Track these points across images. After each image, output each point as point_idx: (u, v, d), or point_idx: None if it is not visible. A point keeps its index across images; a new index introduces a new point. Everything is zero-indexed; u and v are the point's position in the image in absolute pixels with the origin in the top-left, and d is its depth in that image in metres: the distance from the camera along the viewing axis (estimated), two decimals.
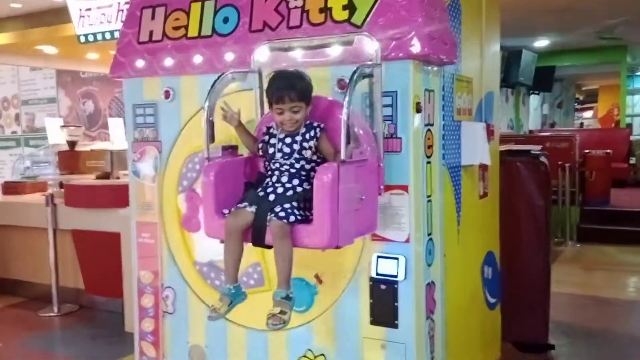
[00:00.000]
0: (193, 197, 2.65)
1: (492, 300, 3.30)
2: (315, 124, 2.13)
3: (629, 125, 12.78)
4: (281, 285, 2.06)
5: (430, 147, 2.34)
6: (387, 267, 2.26)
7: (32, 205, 5.43)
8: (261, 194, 2.10)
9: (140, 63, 2.70)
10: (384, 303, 2.29)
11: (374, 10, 2.21)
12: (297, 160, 2.11)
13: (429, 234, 2.35)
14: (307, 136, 2.12)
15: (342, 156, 1.97)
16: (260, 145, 2.21)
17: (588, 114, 20.31)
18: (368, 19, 2.22)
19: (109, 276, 4.81)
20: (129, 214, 3.77)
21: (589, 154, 8.09)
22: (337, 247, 2.00)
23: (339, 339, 2.40)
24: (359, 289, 2.34)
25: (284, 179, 2.10)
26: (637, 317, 4.75)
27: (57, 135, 6.61)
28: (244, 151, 2.34)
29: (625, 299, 5.22)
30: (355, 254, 2.33)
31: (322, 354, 2.44)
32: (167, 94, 2.68)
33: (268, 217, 2.02)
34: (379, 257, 2.28)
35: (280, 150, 2.13)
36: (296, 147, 2.11)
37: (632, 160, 10.74)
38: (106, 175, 5.34)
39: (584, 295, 5.05)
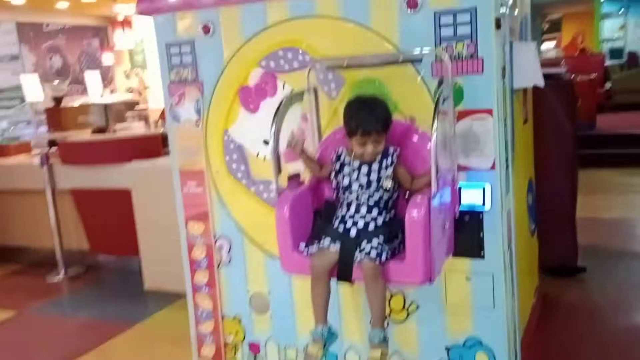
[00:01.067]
0: (268, 81, 2.44)
1: (532, 227, 3.27)
2: (391, 150, 2.03)
3: (598, 53, 12.87)
4: (377, 326, 2.01)
5: (504, 67, 2.21)
6: (472, 197, 2.16)
7: (22, 166, 5.15)
8: (340, 228, 2.02)
9: None
10: (468, 234, 2.20)
11: None
12: (377, 191, 2.01)
13: (506, 160, 2.24)
14: (384, 164, 2.02)
15: (434, 190, 1.88)
16: (334, 175, 2.09)
17: (551, 43, 20.41)
18: None
19: (119, 235, 4.63)
20: (140, 167, 3.60)
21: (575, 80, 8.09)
22: (431, 282, 1.94)
23: None
24: None
25: (363, 210, 2.01)
26: None
27: (35, 93, 6.21)
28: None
29: (634, 217, 5.31)
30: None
31: (400, 291, 2.35)
32: (206, 29, 2.46)
33: (357, 257, 1.95)
34: (461, 187, 2.16)
35: (357, 180, 2.02)
36: (374, 176, 2.01)
37: (608, 86, 10.85)
38: (102, 130, 5.06)
39: (594, 217, 5.09)
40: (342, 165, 2.06)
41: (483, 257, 2.19)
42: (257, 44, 2.39)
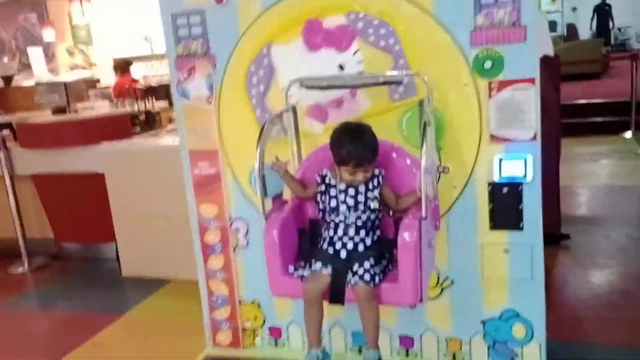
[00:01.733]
0: None
1: None
2: (376, 172, 2.02)
3: None
4: (372, 347, 2.04)
5: None
6: (513, 169, 2.12)
7: None
8: (330, 250, 2.01)
9: None
10: (507, 206, 2.17)
11: None
12: (364, 212, 2.00)
13: None
14: (371, 185, 2.01)
15: (423, 214, 1.88)
16: (319, 197, 2.07)
17: None
18: None
19: (88, 221, 4.38)
20: (113, 149, 3.41)
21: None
22: (422, 302, 1.95)
23: (453, 250, 2.27)
24: (476, 195, 2.19)
25: (351, 231, 2.01)
26: (627, 199, 5.00)
27: None
28: None
29: (607, 183, 5.50)
30: (467, 161, 2.17)
31: (434, 268, 2.30)
32: None
33: (351, 280, 1.95)
34: (502, 159, 2.12)
35: (344, 202, 2.00)
36: (361, 198, 2.00)
37: None
38: (62, 111, 4.72)
39: (567, 185, 5.21)
40: (327, 187, 2.04)
41: (522, 228, 2.17)
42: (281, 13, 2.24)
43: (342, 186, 2.01)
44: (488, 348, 2.32)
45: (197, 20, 2.34)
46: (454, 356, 2.37)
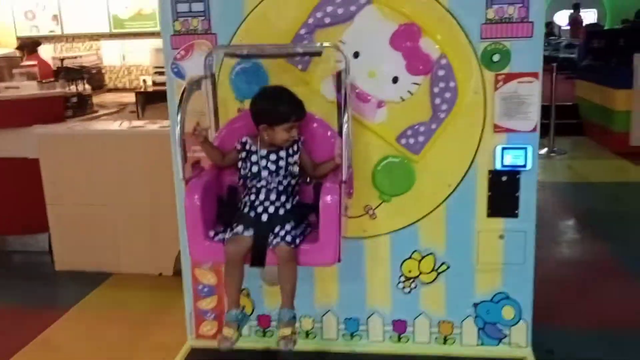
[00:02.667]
0: None
1: None
2: (295, 137, 2.08)
3: None
4: (287, 306, 2.07)
5: None
6: (514, 158, 2.23)
7: None
8: (252, 214, 2.03)
9: None
10: (504, 194, 2.28)
11: None
12: (285, 177, 2.06)
13: None
14: (291, 151, 2.08)
15: (344, 177, 1.96)
16: (240, 163, 2.10)
17: None
18: None
19: (17, 210, 4.04)
20: (48, 132, 3.20)
21: None
22: (339, 261, 2.01)
23: (450, 236, 2.35)
24: (475, 182, 2.28)
25: (273, 196, 2.05)
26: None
27: None
28: None
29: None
30: (470, 150, 2.25)
31: (431, 253, 2.37)
32: None
33: (273, 241, 1.99)
34: (504, 148, 2.23)
35: (265, 167, 2.05)
36: (282, 163, 2.06)
37: None
38: None
39: None
40: (248, 153, 2.08)
41: (517, 215, 2.29)
42: None
43: (264, 152, 2.06)
44: (478, 330, 2.42)
45: None
46: (444, 339, 2.45)
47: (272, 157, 2.06)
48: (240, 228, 2.01)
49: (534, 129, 2.22)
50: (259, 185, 2.06)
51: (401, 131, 2.25)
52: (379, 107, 2.26)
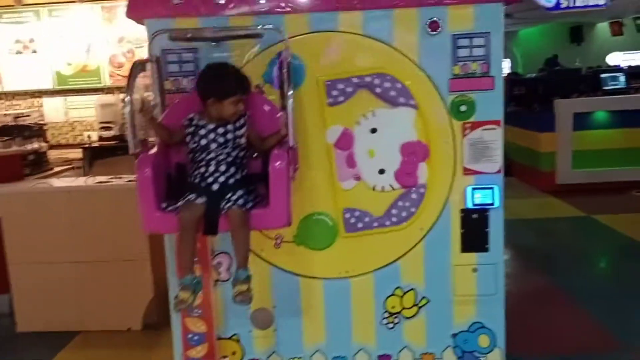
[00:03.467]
0: None
1: None
2: (242, 112, 2.23)
3: None
4: (242, 266, 2.20)
5: None
6: (483, 197, 2.47)
7: None
8: (202, 184, 2.16)
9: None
10: (476, 231, 2.50)
11: None
12: (233, 149, 2.20)
13: None
14: (238, 124, 2.22)
15: (291, 143, 2.16)
16: (189, 138, 2.22)
17: None
18: None
19: None
20: (10, 191, 3.23)
21: None
22: (290, 225, 2.19)
23: (429, 272, 2.54)
24: (450, 221, 2.50)
25: (222, 167, 2.18)
26: None
27: None
28: None
29: None
30: (442, 191, 2.48)
31: (412, 289, 2.54)
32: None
33: (225, 206, 2.12)
34: (474, 189, 2.46)
35: (214, 140, 2.19)
36: (230, 136, 2.20)
37: None
38: None
39: None
40: (196, 128, 2.21)
41: (487, 250, 2.51)
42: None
43: (211, 126, 2.19)
44: (457, 359, 2.59)
45: (190, 57, 2.38)
46: None
47: (220, 130, 2.18)
48: (192, 196, 2.12)
49: (499, 171, 2.47)
50: (208, 158, 2.17)
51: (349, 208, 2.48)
52: (355, 179, 2.46)
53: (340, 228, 2.48)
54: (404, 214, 2.47)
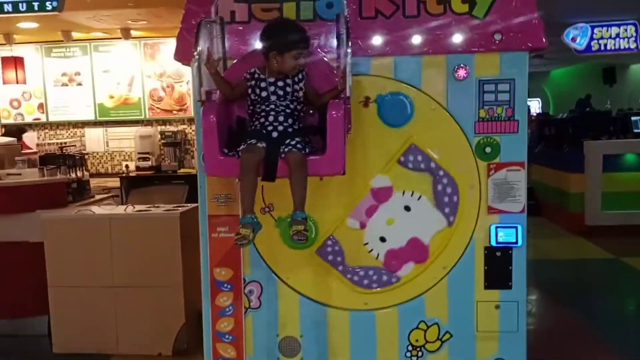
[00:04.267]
0: None
1: None
2: (300, 67, 2.36)
3: None
4: (300, 209, 2.29)
5: None
6: (506, 236, 2.55)
7: None
8: (263, 131, 2.29)
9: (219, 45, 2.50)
10: (499, 268, 2.58)
11: (494, 5, 2.46)
12: (292, 102, 2.33)
13: None
14: (296, 79, 2.35)
15: (348, 93, 2.24)
16: (250, 90, 2.35)
17: None
18: (489, 13, 2.46)
19: (18, 293, 4.12)
20: (53, 217, 3.38)
21: None
22: (344, 173, 2.29)
23: (452, 307, 2.61)
24: (474, 258, 2.58)
25: (281, 118, 2.30)
26: None
27: None
28: None
29: None
30: (468, 229, 2.57)
31: (436, 323, 2.62)
32: None
33: (285, 149, 2.24)
34: (497, 227, 2.55)
35: (274, 92, 2.32)
36: (289, 89, 2.32)
37: None
38: None
39: None
40: (257, 81, 2.33)
41: (510, 287, 2.58)
42: None
43: (272, 79, 2.31)
44: None
45: None
46: None
47: (280, 83, 2.31)
48: (253, 140, 2.24)
49: (523, 210, 2.56)
50: (268, 109, 2.30)
51: None
52: (360, 225, 2.58)
53: None
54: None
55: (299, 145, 2.24)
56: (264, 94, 2.32)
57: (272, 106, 2.31)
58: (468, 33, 2.46)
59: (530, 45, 2.47)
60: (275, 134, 2.27)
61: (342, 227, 2.58)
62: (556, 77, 21.65)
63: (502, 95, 2.50)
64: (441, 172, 2.53)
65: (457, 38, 2.47)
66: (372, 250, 2.59)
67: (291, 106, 2.33)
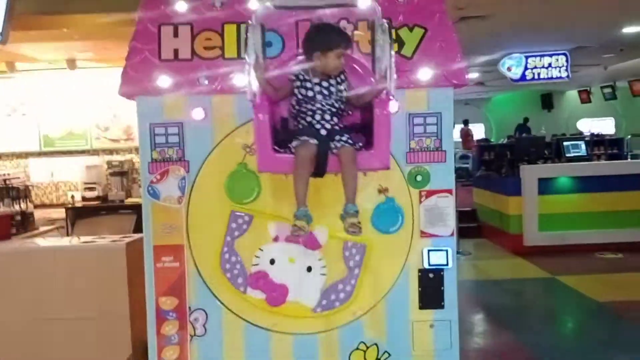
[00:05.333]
0: None
1: None
2: (342, 67, 2.52)
3: None
4: (352, 201, 2.46)
5: None
6: (438, 258, 2.72)
7: None
8: (312, 129, 2.45)
9: (164, 81, 2.62)
10: (432, 289, 2.74)
11: (421, 45, 2.66)
12: (336, 101, 2.49)
13: None
14: (339, 79, 2.51)
15: (392, 93, 2.45)
16: (295, 90, 2.50)
17: None
18: (416, 53, 2.66)
19: None
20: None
21: None
22: (388, 168, 2.53)
23: (390, 328, 2.75)
24: (408, 280, 2.74)
25: (327, 116, 2.48)
26: None
27: None
28: None
29: None
30: (402, 252, 2.73)
31: (375, 344, 2.75)
32: (198, 113, 2.65)
33: (337, 144, 2.41)
34: (429, 250, 2.72)
35: (320, 92, 2.48)
36: (333, 89, 2.49)
37: None
38: None
39: None
40: (302, 82, 2.48)
41: (443, 307, 2.75)
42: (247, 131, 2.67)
43: (316, 79, 2.47)
44: None
45: (175, 130, 2.66)
46: None
47: (325, 84, 2.46)
48: (305, 137, 2.40)
49: (452, 234, 2.74)
50: (314, 108, 2.45)
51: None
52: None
53: None
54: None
55: (350, 141, 2.42)
56: (310, 93, 2.47)
57: (319, 105, 2.46)
58: (398, 71, 2.64)
59: (454, 82, 2.67)
60: (323, 132, 2.44)
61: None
62: (498, 103, 22.51)
63: (430, 127, 2.69)
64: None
65: None
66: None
67: (336, 105, 2.48)
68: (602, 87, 18.63)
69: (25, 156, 7.35)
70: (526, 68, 9.66)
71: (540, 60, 9.59)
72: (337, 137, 2.43)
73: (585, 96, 19.93)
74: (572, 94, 20.83)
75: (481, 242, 8.49)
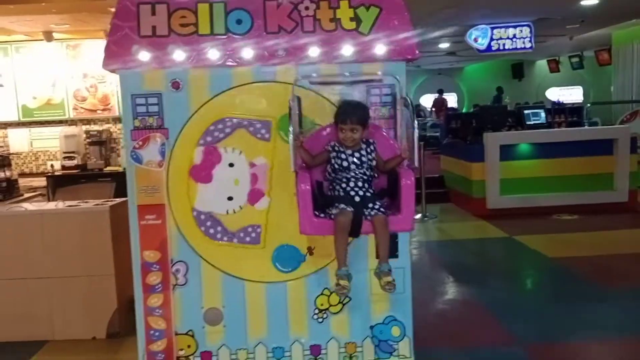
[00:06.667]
0: (211, 152, 3.00)
1: None
2: (370, 140, 2.85)
3: None
4: (385, 260, 2.80)
5: None
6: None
7: None
8: (347, 197, 2.74)
9: (143, 55, 2.88)
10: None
11: (376, 23, 2.96)
12: (367, 169, 2.81)
13: None
14: (368, 150, 2.83)
15: (416, 163, 2.83)
16: (332, 160, 2.81)
17: None
18: (372, 30, 2.96)
19: None
20: None
21: None
22: (413, 230, 2.91)
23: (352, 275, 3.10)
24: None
25: (360, 184, 2.78)
26: None
27: None
28: None
29: None
30: None
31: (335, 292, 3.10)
32: (176, 85, 2.93)
33: (371, 212, 2.71)
34: None
35: (353, 162, 2.79)
36: (364, 159, 2.80)
37: None
38: None
39: None
40: (337, 152, 2.79)
41: (397, 256, 3.10)
42: (220, 102, 2.96)
43: (349, 151, 2.78)
44: (375, 347, 3.15)
45: (154, 101, 2.94)
46: (350, 357, 3.15)
47: (357, 154, 2.77)
48: (343, 205, 2.68)
49: None
50: (349, 176, 2.76)
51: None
52: None
53: None
54: None
55: (382, 209, 2.71)
56: (344, 163, 2.77)
57: (352, 174, 2.76)
58: (356, 46, 2.94)
59: (407, 56, 2.98)
60: (357, 198, 2.73)
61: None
62: (470, 73, 22.87)
63: (384, 97, 3.00)
64: None
65: (347, 50, 2.95)
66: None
67: (367, 173, 2.79)
68: (570, 57, 19.11)
69: (4, 126, 7.51)
70: (492, 39, 10.00)
71: (505, 32, 9.93)
72: (370, 205, 2.72)
73: (554, 66, 20.41)
74: (542, 64, 21.29)
75: (447, 207, 8.91)
